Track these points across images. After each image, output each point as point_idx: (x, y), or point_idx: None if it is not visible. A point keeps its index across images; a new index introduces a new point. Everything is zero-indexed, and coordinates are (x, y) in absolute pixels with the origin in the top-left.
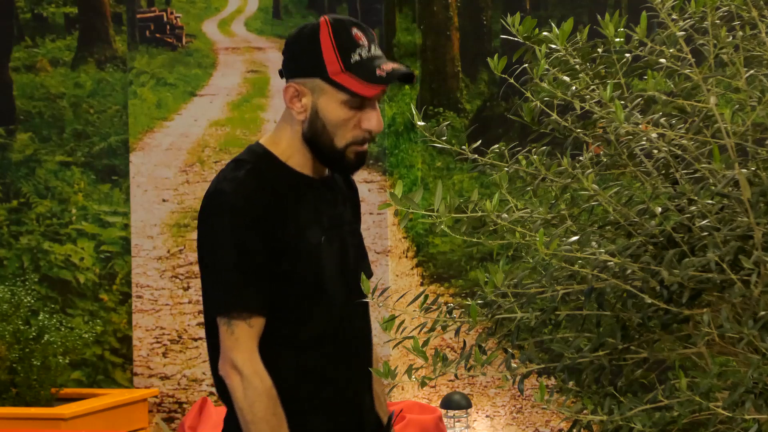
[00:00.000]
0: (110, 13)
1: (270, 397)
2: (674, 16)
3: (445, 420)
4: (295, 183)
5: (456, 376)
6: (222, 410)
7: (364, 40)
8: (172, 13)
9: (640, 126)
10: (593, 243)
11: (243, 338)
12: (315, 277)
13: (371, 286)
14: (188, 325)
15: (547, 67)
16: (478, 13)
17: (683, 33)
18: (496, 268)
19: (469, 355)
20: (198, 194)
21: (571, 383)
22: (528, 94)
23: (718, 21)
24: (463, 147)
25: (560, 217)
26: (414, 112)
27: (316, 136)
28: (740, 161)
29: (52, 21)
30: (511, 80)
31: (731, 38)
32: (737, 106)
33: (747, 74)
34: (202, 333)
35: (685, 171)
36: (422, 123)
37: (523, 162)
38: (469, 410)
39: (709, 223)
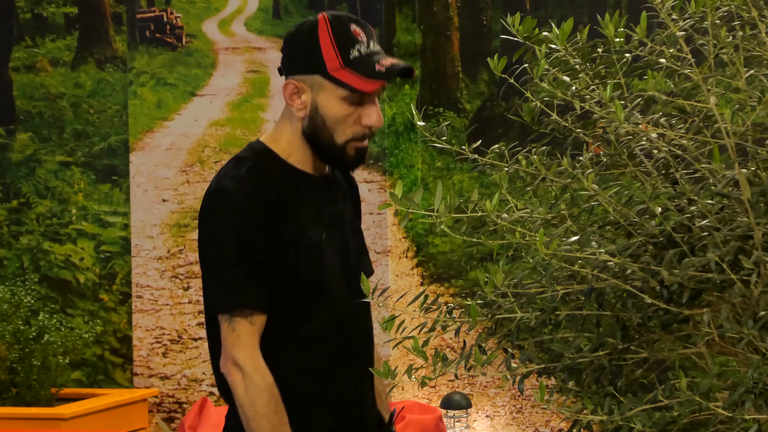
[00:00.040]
0: (110, 13)
1: (271, 394)
2: (674, 16)
3: (445, 420)
4: (295, 180)
5: (456, 376)
6: (222, 410)
7: (362, 36)
8: (172, 13)
9: (640, 126)
10: (593, 243)
11: (244, 335)
12: (316, 274)
13: (371, 286)
14: (188, 325)
15: (547, 67)
16: (478, 13)
17: (683, 33)
18: (496, 268)
19: (469, 355)
20: (198, 194)
21: (571, 383)
22: (528, 94)
23: (718, 21)
24: (463, 147)
25: (560, 217)
26: (414, 112)
27: (316, 133)
28: (740, 161)
29: (52, 21)
30: (511, 80)
31: (731, 38)
32: (737, 106)
33: (747, 74)
34: (202, 333)
35: (685, 171)
36: (422, 123)
37: (523, 162)
38: (469, 410)
39: (709, 223)
